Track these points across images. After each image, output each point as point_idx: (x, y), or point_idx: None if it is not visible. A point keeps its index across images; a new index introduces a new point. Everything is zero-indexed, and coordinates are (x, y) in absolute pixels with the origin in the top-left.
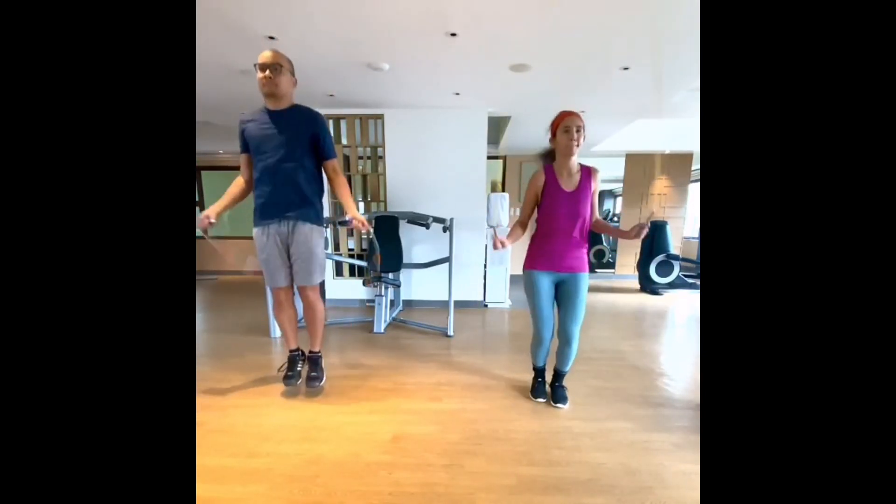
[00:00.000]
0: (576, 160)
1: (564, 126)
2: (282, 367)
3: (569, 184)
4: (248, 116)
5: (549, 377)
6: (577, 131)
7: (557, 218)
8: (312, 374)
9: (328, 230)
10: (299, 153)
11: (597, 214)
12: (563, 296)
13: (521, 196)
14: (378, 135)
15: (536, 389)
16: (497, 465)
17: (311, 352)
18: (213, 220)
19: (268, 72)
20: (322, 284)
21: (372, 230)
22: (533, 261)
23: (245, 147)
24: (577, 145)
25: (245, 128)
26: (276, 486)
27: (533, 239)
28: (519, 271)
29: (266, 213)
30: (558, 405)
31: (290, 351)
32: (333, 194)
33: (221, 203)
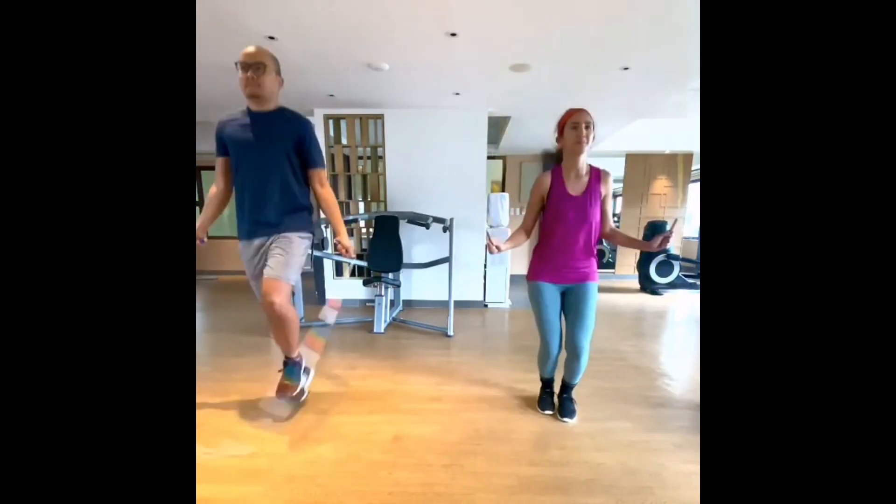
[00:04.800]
0: (585, 160)
1: (573, 122)
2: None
3: (576, 187)
4: (228, 117)
5: (556, 387)
6: (587, 127)
7: (563, 225)
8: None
9: (327, 230)
10: (282, 160)
11: (611, 223)
12: (571, 305)
13: (521, 196)
14: (378, 135)
15: (543, 401)
16: (497, 465)
17: (287, 358)
18: (203, 239)
19: (250, 72)
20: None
21: (354, 258)
22: (537, 272)
23: (223, 150)
24: (587, 143)
25: (223, 129)
26: (276, 486)
27: (536, 248)
28: (519, 271)
29: (249, 229)
30: (565, 419)
31: (302, 361)
32: (321, 208)
33: (205, 219)
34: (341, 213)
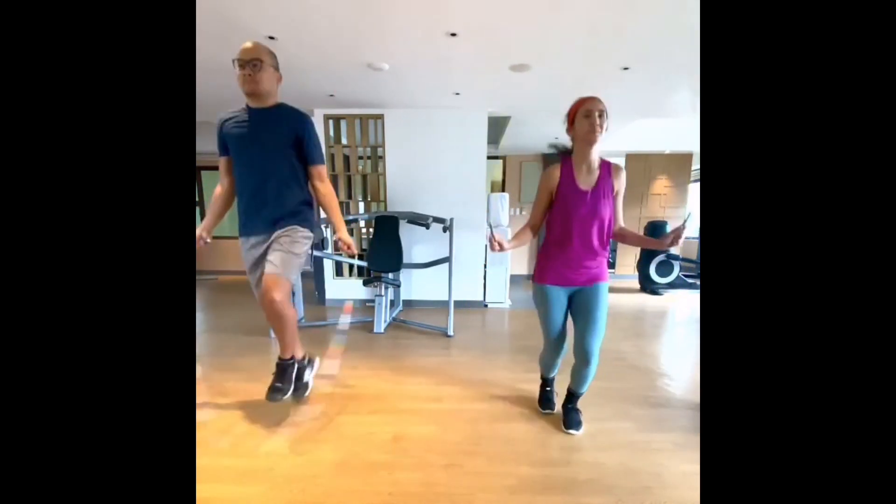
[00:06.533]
0: (597, 152)
1: (585, 110)
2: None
3: (587, 181)
4: (227, 115)
5: (559, 391)
6: (600, 116)
7: (572, 221)
8: (276, 384)
9: (327, 230)
10: (282, 157)
11: (620, 222)
12: (580, 308)
13: (521, 196)
14: (378, 135)
15: (544, 400)
16: (497, 465)
17: (280, 358)
18: (207, 240)
19: (247, 68)
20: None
21: (356, 254)
22: (544, 274)
23: (224, 149)
24: (601, 132)
25: (224, 127)
26: (276, 486)
27: (543, 247)
28: (519, 271)
29: (249, 226)
30: (570, 431)
31: (297, 361)
32: (319, 205)
33: (209, 219)
34: (341, 213)
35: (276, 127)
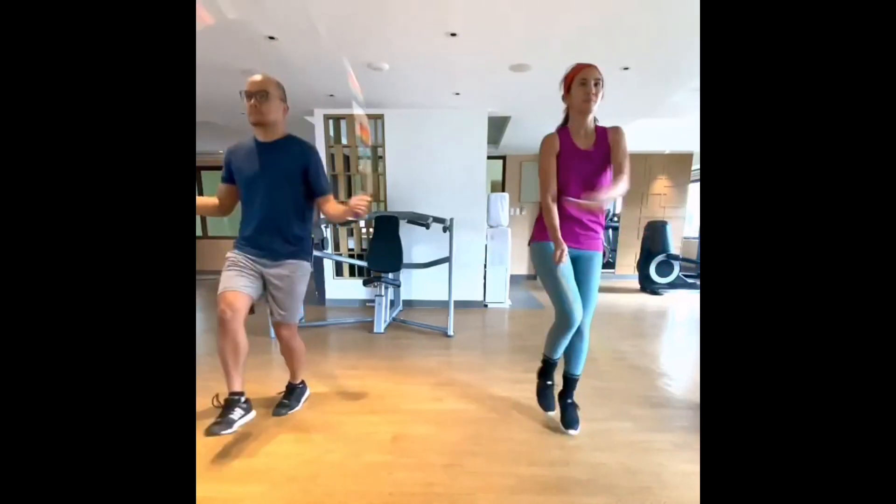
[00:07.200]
0: (592, 120)
1: (580, 78)
2: (216, 403)
3: (586, 144)
4: (236, 145)
5: (557, 382)
6: (596, 84)
7: (572, 185)
8: (284, 400)
9: (328, 230)
10: (287, 192)
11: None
12: (577, 277)
13: (521, 196)
14: (378, 135)
15: (545, 396)
16: (497, 465)
17: (290, 383)
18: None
19: (253, 100)
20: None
21: (364, 212)
22: (545, 233)
23: (228, 178)
24: (596, 100)
25: (231, 158)
26: (276, 486)
27: (542, 213)
28: (519, 271)
29: (250, 251)
30: (570, 431)
31: (231, 393)
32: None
33: (198, 204)
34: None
35: (282, 162)
